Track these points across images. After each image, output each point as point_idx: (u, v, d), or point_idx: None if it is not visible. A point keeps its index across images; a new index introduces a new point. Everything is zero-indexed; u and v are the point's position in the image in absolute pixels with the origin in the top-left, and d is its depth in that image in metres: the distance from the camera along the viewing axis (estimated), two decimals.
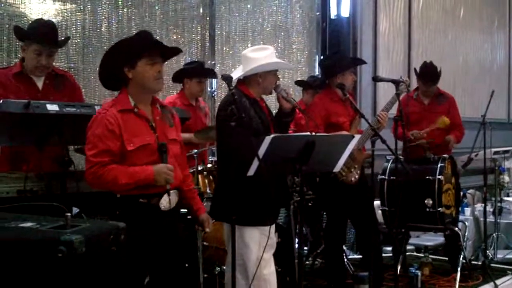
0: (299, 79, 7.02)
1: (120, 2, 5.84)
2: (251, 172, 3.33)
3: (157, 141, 3.29)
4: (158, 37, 6.06)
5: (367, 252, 5.11)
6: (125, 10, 5.88)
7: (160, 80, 3.32)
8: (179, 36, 6.33)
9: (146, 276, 3.27)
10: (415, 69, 6.14)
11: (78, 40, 5.51)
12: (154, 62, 3.27)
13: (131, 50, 3.25)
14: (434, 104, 6.07)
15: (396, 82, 4.87)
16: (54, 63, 4.41)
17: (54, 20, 5.15)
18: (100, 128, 3.16)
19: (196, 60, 6.08)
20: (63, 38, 4.52)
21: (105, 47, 5.63)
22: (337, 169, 3.75)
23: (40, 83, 4.17)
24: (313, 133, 3.61)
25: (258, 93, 3.98)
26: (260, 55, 3.92)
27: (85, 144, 3.22)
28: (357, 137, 3.71)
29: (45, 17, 5.16)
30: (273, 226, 4.01)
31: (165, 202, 3.29)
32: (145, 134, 3.28)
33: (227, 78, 3.60)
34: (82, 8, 5.57)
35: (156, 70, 3.28)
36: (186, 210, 4.52)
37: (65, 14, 5.43)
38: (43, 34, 4.09)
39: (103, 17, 5.71)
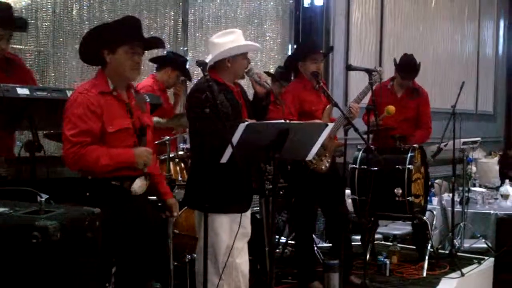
0: (271, 68, 7.02)
1: None
2: (224, 159, 3.32)
3: (134, 126, 3.31)
4: None
5: (336, 240, 5.14)
6: None
7: (137, 70, 3.35)
8: (152, 21, 6.26)
9: (113, 262, 3.26)
10: (394, 60, 6.11)
11: (48, 23, 5.40)
12: (134, 52, 3.28)
13: (114, 35, 3.24)
14: (406, 98, 6.05)
15: (369, 72, 4.88)
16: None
17: (23, 3, 5.07)
18: (81, 108, 3.15)
19: (178, 53, 5.99)
20: (20, 19, 4.38)
21: (76, 31, 5.55)
22: (310, 157, 3.75)
23: None
24: (287, 121, 3.61)
25: (229, 79, 3.93)
26: (227, 40, 3.87)
27: (63, 126, 3.17)
28: (331, 125, 3.71)
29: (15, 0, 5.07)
30: (248, 215, 4.00)
31: (137, 186, 3.31)
32: (124, 118, 3.29)
33: (201, 64, 3.54)
34: None
35: (135, 61, 3.30)
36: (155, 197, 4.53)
37: None
38: (2, 18, 3.99)
39: (74, 1, 5.60)
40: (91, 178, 3.24)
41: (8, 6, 4.19)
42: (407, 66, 5.98)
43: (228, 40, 3.87)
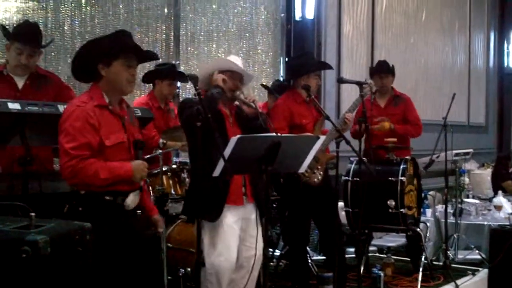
0: (264, 81, 7.04)
1: (83, 0, 5.77)
2: (216, 172, 3.32)
3: (128, 140, 3.32)
4: None
5: (330, 253, 5.13)
6: (88, 8, 5.80)
7: (132, 84, 3.35)
8: (143, 36, 6.28)
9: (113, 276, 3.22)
10: (370, 68, 6.23)
11: None
12: (129, 65, 3.30)
13: (109, 48, 3.25)
14: (390, 106, 6.11)
15: (360, 84, 4.90)
16: None
17: (15, 18, 5.10)
18: (80, 121, 3.14)
19: (165, 62, 6.03)
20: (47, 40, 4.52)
21: (68, 46, 5.58)
22: (302, 170, 3.74)
23: (20, 83, 4.18)
24: (279, 134, 3.61)
25: None
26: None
27: (60, 138, 3.15)
28: (322, 138, 3.71)
29: (6, 15, 5.11)
30: (254, 235, 3.93)
31: (130, 200, 3.30)
32: (119, 132, 3.30)
33: (193, 78, 3.57)
34: (44, 6, 5.48)
35: (131, 73, 3.31)
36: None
37: (27, 11, 5.34)
38: (24, 34, 4.13)
39: (66, 15, 5.63)
40: (84, 193, 3.21)
41: (32, 24, 4.35)
42: (377, 66, 6.20)
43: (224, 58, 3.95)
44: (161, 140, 4.91)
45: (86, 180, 3.14)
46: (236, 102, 3.97)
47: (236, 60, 4.00)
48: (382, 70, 6.09)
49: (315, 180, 4.94)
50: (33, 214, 2.23)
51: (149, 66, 5.74)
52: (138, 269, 3.38)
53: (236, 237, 3.88)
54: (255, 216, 4.00)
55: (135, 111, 3.99)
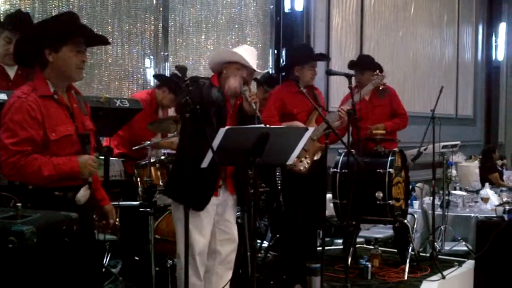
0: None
1: None
2: (204, 164, 3.31)
3: (77, 131, 3.12)
4: (110, 27, 6.01)
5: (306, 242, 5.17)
6: None
7: (82, 70, 3.15)
8: (132, 27, 6.24)
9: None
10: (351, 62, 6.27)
11: None
12: (79, 50, 3.10)
13: (57, 33, 3.06)
14: (375, 98, 6.07)
15: (349, 76, 4.91)
16: None
17: (2, 8, 5.06)
18: (21, 114, 2.93)
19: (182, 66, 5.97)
20: None
21: None
22: (290, 161, 3.74)
23: (12, 73, 4.14)
24: (267, 125, 3.61)
25: (225, 86, 3.92)
26: (236, 49, 3.95)
27: (1, 131, 2.96)
28: (311, 129, 3.72)
29: None
30: (231, 220, 4.01)
31: (81, 195, 3.12)
32: (66, 123, 3.09)
33: (181, 69, 3.56)
34: None
35: (80, 59, 3.10)
36: (138, 203, 4.52)
37: (14, 1, 5.30)
38: (15, 23, 4.08)
39: (53, 6, 5.58)
40: (31, 188, 2.99)
41: (23, 13, 4.35)
42: (358, 60, 6.25)
43: (238, 49, 3.95)
44: (154, 140, 4.91)
45: (29, 177, 2.95)
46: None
47: (252, 52, 4.00)
48: (352, 67, 6.06)
49: (301, 168, 4.95)
50: (19, 204, 2.21)
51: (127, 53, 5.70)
52: (90, 266, 3.23)
53: (209, 219, 3.88)
54: (233, 203, 4.05)
55: (122, 101, 3.96)
